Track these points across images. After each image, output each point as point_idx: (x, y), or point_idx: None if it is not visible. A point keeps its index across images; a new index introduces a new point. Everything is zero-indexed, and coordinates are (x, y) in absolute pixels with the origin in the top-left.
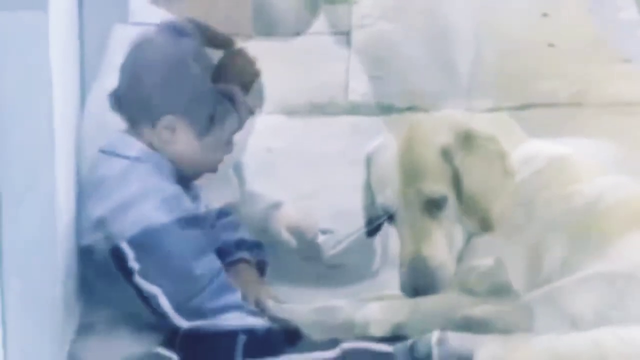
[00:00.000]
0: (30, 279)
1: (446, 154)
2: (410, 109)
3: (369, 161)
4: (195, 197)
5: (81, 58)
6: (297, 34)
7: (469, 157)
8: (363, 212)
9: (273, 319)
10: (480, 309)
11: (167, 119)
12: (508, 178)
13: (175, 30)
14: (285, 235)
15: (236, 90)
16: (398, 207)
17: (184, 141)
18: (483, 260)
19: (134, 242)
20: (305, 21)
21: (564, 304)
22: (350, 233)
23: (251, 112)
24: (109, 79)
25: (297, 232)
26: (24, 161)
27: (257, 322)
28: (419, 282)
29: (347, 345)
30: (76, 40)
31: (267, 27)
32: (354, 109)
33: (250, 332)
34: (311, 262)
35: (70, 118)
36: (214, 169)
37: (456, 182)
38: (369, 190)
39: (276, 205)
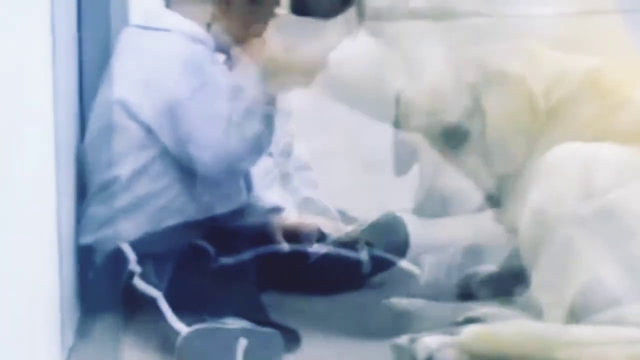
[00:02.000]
0: (27, 281)
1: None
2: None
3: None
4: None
5: (79, 60)
6: None
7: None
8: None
9: None
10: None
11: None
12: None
13: None
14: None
15: None
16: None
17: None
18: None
19: (136, 245)
20: None
21: (621, 215)
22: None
23: None
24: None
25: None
26: (22, 159)
27: (257, 326)
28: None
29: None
30: (74, 47)
31: None
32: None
33: (250, 336)
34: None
35: (70, 122)
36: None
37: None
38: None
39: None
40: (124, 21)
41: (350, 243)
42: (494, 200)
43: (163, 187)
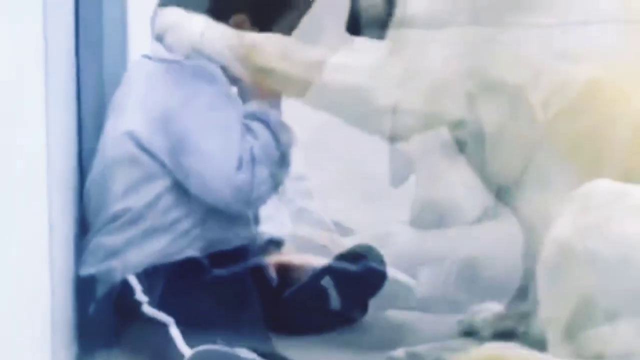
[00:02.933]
0: (19, 316)
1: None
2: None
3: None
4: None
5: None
6: None
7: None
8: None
9: None
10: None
11: (238, 17)
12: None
13: None
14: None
15: None
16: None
17: None
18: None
19: (141, 276)
20: None
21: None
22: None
23: (308, 5)
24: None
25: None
26: (16, 181)
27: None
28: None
29: None
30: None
31: None
32: None
33: None
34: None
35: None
36: None
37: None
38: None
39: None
40: (123, 50)
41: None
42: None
43: (173, 220)
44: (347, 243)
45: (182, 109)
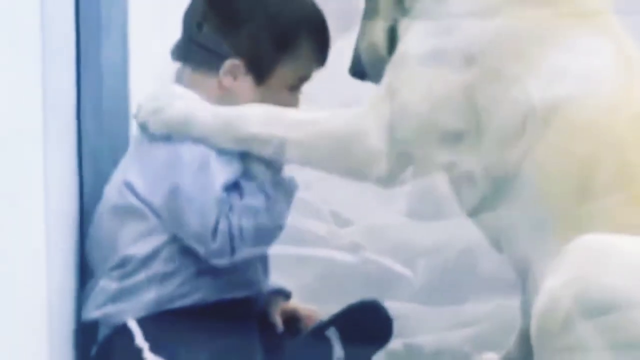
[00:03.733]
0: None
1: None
2: None
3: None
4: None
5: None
6: None
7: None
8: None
9: None
10: None
11: (231, 63)
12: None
13: None
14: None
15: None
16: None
17: (245, 88)
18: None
19: (143, 322)
20: None
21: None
22: None
23: (319, 64)
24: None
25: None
26: (14, 223)
27: None
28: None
29: None
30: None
31: None
32: None
33: None
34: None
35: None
36: None
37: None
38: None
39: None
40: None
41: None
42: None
43: (175, 269)
44: (344, 234)
45: (172, 165)
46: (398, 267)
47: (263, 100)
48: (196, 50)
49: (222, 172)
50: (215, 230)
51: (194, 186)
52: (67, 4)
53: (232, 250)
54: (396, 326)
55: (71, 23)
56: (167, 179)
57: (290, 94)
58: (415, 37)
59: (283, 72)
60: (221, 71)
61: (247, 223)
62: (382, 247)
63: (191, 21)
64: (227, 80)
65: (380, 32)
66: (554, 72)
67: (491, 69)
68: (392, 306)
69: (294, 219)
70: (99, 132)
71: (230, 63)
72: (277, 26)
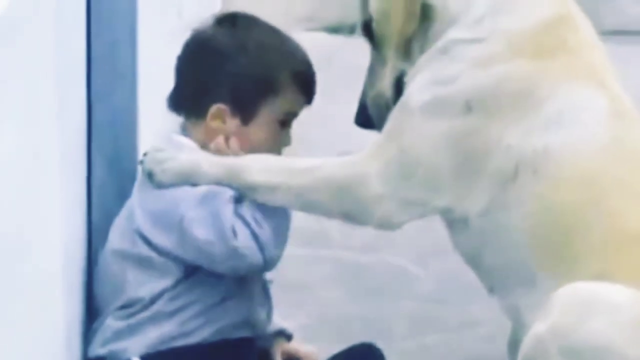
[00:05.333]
0: None
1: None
2: None
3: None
4: None
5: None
6: None
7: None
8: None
9: None
10: None
11: (216, 108)
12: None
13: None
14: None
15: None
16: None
17: (234, 129)
18: None
19: (146, 358)
20: None
21: None
22: None
23: (306, 102)
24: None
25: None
26: (28, 259)
27: None
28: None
29: None
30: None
31: None
32: None
33: None
34: None
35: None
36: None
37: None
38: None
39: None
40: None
41: None
42: None
43: (178, 308)
44: (357, 234)
45: (177, 204)
46: (410, 267)
47: (254, 138)
48: (184, 98)
49: (227, 190)
50: (233, 228)
51: (200, 205)
52: (79, 48)
53: (255, 238)
54: (409, 325)
55: (83, 66)
56: (174, 216)
57: (281, 130)
58: (418, 85)
59: (268, 112)
60: (208, 116)
61: (260, 215)
62: (395, 247)
63: (179, 69)
64: (215, 124)
65: (387, 82)
66: (548, 121)
67: (488, 116)
68: (404, 305)
69: (306, 220)
70: (108, 171)
71: (215, 108)
72: (257, 70)
